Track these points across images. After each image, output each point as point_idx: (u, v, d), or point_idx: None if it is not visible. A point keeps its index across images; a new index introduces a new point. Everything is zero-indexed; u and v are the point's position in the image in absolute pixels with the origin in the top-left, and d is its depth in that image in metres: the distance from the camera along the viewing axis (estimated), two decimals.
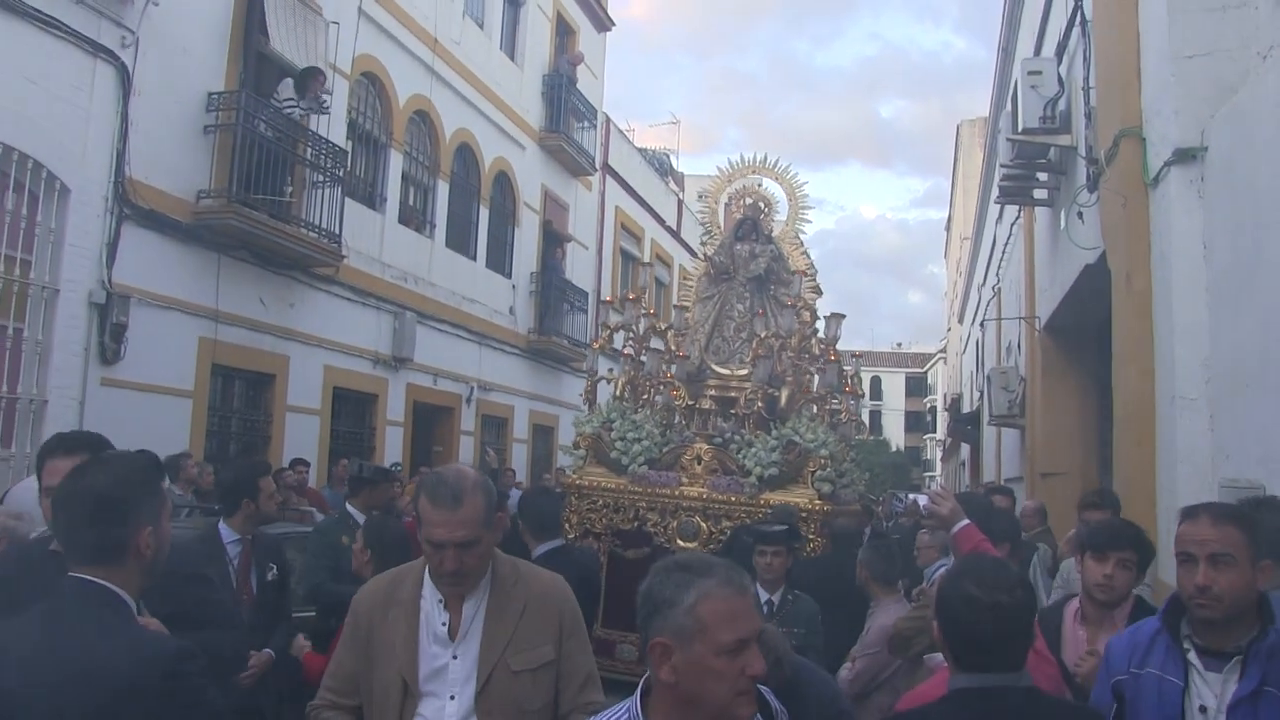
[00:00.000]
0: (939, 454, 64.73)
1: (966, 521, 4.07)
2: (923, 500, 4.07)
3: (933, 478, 68.23)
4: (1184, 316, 6.46)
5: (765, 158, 10.33)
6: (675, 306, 10.57)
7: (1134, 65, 7.39)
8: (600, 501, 9.12)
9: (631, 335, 9.73)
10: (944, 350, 61.22)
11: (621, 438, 9.21)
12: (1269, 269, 5.54)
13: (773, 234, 10.31)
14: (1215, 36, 6.56)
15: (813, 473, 8.72)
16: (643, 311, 9.80)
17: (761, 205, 10.28)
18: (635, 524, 8.99)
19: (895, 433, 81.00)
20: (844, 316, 9.62)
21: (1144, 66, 7.31)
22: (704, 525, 8.80)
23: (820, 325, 9.71)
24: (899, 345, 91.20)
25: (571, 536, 8.89)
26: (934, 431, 73.02)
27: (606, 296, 10.31)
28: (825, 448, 8.70)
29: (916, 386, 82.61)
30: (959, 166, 41.18)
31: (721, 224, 10.69)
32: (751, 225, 10.21)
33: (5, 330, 9.34)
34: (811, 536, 8.43)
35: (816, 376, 9.51)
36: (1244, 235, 5.93)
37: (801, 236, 10.26)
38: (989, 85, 19.03)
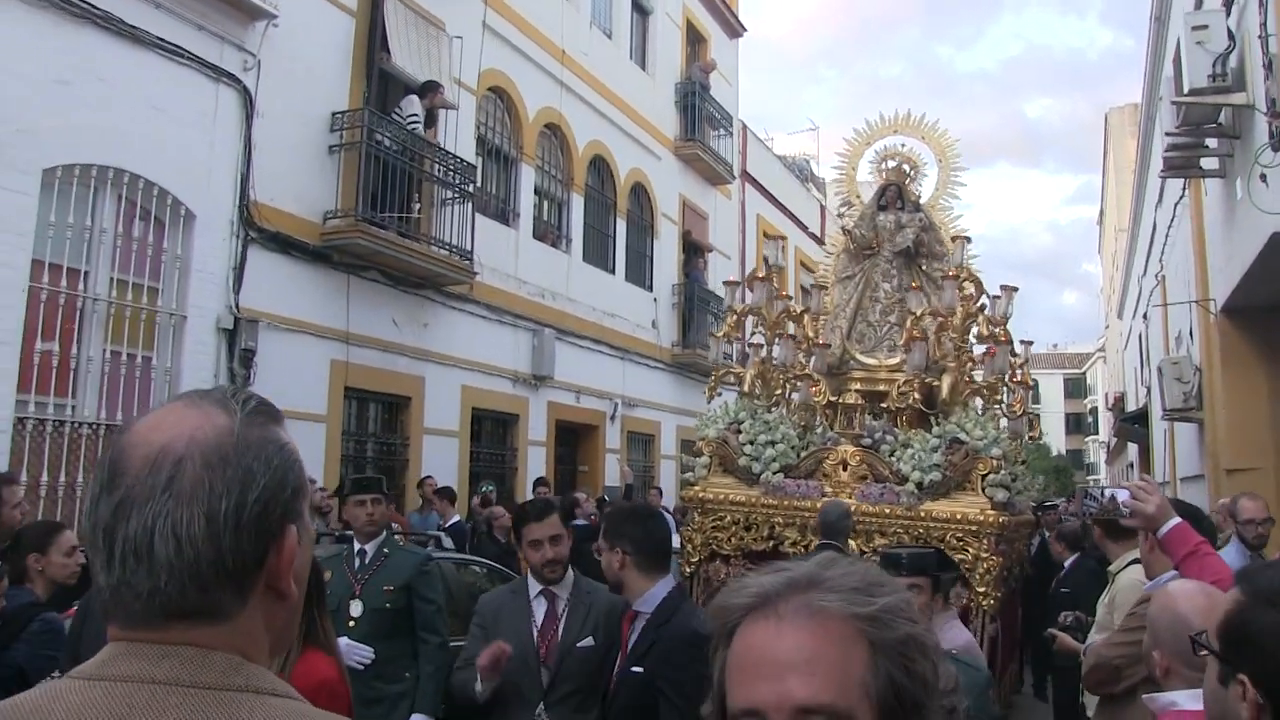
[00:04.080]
0: (1103, 456, 62.30)
1: (1178, 520, 3.33)
2: (1122, 496, 3.34)
3: (1097, 481, 65.58)
4: None
5: (909, 113, 9.14)
6: (813, 287, 9.41)
7: None
8: (728, 518, 7.99)
9: (762, 321, 8.70)
10: (1103, 349, 59.20)
11: (752, 441, 8.09)
12: None
13: (921, 200, 9.17)
14: None
15: (983, 476, 7.48)
16: (775, 293, 8.76)
17: (907, 168, 9.09)
18: (770, 544, 7.79)
19: (1055, 436, 78.21)
20: (1016, 289, 8.31)
21: None
22: (853, 543, 7.41)
23: (985, 300, 8.38)
24: (1055, 346, 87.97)
25: (695, 560, 7.97)
26: (1096, 433, 70.66)
27: (730, 276, 9.23)
28: (997, 446, 7.51)
29: (1075, 388, 79.96)
30: (1109, 157, 39.60)
31: (860, 192, 9.49)
32: (896, 192, 9.04)
33: (135, 359, 9.26)
34: (985, 555, 7.26)
35: (981, 364, 8.31)
36: None
37: (955, 203, 9.03)
38: (1138, 70, 17.84)
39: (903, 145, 9.19)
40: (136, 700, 1.17)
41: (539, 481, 13.96)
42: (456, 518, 11.50)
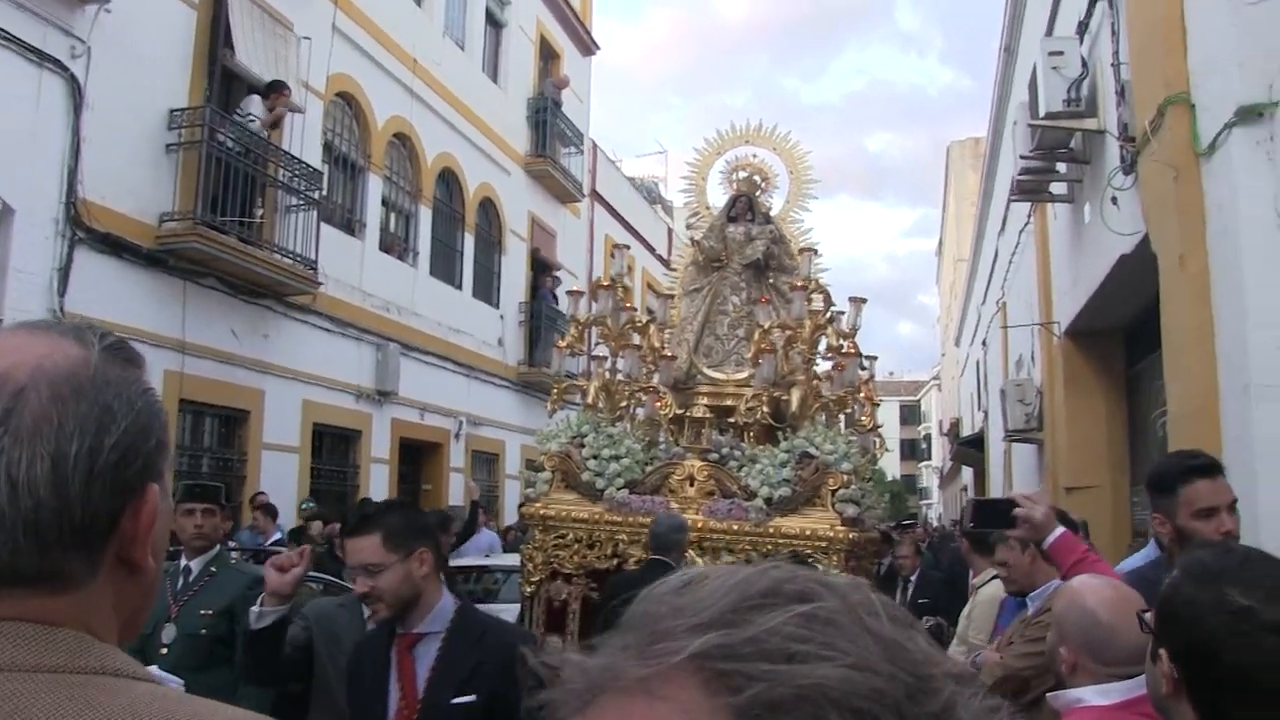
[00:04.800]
0: (936, 480, 64.25)
1: (1063, 529, 3.31)
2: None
3: (930, 504, 67.63)
4: (1257, 296, 5.71)
5: (760, 124, 8.87)
6: (660, 296, 9.14)
7: (1179, 26, 6.70)
8: (570, 535, 7.48)
9: (606, 331, 8.22)
10: (937, 377, 61.03)
11: (595, 455, 7.61)
12: None
13: (771, 213, 8.81)
14: None
15: (833, 492, 7.10)
16: (620, 303, 8.28)
17: (758, 180, 8.82)
18: (614, 562, 7.27)
19: (890, 461, 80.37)
20: (865, 301, 8.15)
21: (1191, 26, 6.63)
22: (701, 561, 6.90)
23: (834, 313, 8.27)
24: (891, 374, 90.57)
25: (536, 580, 7.66)
26: (929, 459, 72.63)
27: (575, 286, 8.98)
28: (847, 460, 7.22)
29: (910, 415, 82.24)
30: (950, 189, 40.84)
31: (710, 203, 9.30)
32: (746, 204, 8.70)
33: None
34: (835, 572, 7.07)
35: (828, 379, 8.17)
36: None
37: (806, 216, 8.89)
38: (976, 107, 18.64)
39: (754, 156, 8.97)
40: None
41: (363, 503, 13.44)
42: (277, 534, 10.92)
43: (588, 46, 24.50)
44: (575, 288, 9.74)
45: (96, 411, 1.00)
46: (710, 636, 0.69)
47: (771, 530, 7.19)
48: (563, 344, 8.71)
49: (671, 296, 8.93)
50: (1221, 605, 1.77)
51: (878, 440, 8.99)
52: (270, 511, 11.14)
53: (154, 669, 3.63)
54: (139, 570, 1.06)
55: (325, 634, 3.82)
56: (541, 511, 7.67)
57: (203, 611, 4.59)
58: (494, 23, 20.07)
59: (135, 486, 1.03)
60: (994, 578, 5.92)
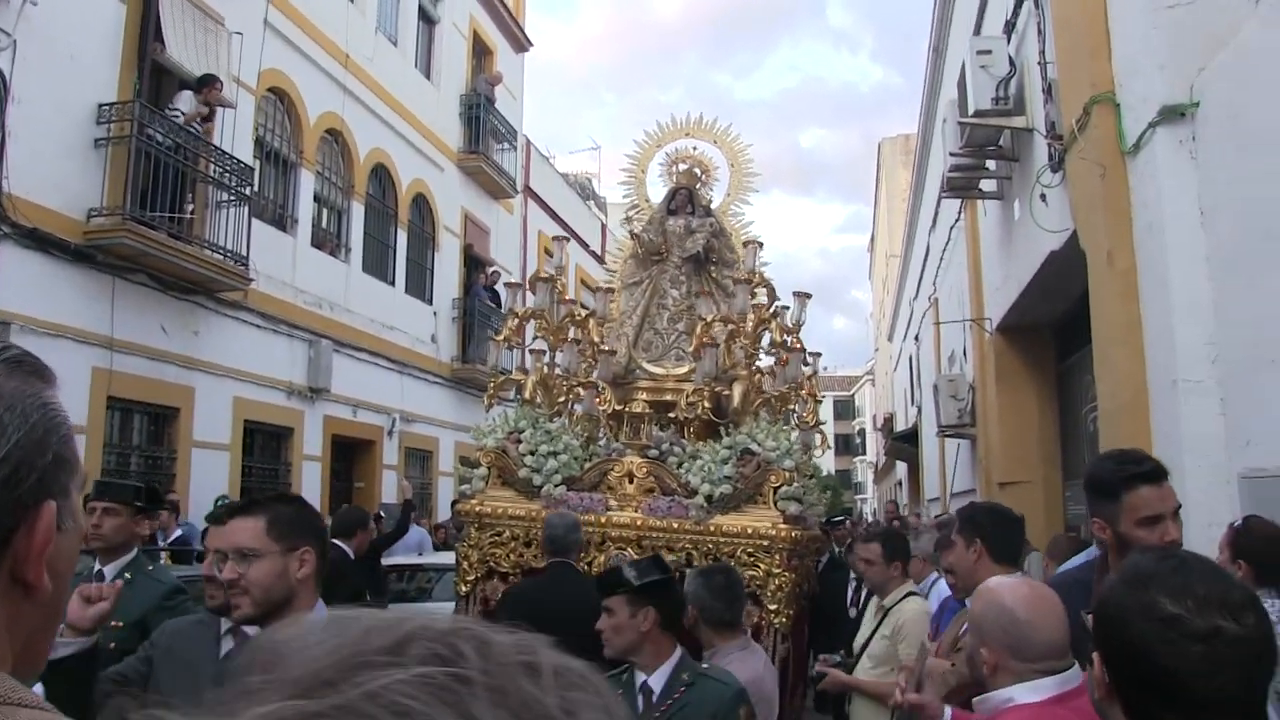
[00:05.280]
0: (870, 475, 64.73)
1: (950, 710, 3.26)
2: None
3: (864, 499, 68.17)
4: (1183, 292, 5.88)
5: (700, 117, 8.83)
6: (599, 288, 9.00)
7: (1103, 27, 6.88)
8: (507, 533, 7.32)
9: (545, 325, 8.07)
10: (871, 372, 61.39)
11: (533, 451, 7.44)
12: None
13: (712, 206, 8.74)
14: None
15: (776, 489, 6.98)
16: (559, 296, 8.20)
17: (698, 172, 8.76)
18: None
19: (824, 457, 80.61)
20: (809, 296, 8.06)
21: (1114, 27, 6.81)
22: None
23: (778, 307, 7.98)
24: (825, 369, 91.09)
25: (472, 579, 7.57)
26: (864, 454, 73.06)
27: (510, 279, 8.82)
28: (790, 457, 7.11)
29: (844, 410, 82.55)
30: (882, 185, 41.27)
31: (649, 196, 8.93)
32: (686, 196, 8.63)
33: None
34: (777, 571, 7.01)
35: (770, 374, 8.13)
36: (1255, 194, 5.37)
37: (746, 207, 8.85)
38: (906, 104, 18.75)
39: (694, 148, 8.92)
40: None
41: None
42: (178, 531, 10.70)
43: (521, 43, 24.43)
44: (512, 280, 9.62)
45: None
46: (279, 706, 0.58)
47: (712, 529, 7.05)
48: (500, 337, 8.59)
49: (610, 290, 8.82)
50: (1151, 612, 1.77)
51: (820, 437, 8.99)
52: (173, 508, 10.90)
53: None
54: (35, 591, 1.00)
55: (176, 664, 3.34)
56: (477, 508, 7.51)
57: (112, 623, 4.08)
58: (427, 19, 19.94)
59: (29, 503, 0.98)
60: (908, 594, 5.95)
